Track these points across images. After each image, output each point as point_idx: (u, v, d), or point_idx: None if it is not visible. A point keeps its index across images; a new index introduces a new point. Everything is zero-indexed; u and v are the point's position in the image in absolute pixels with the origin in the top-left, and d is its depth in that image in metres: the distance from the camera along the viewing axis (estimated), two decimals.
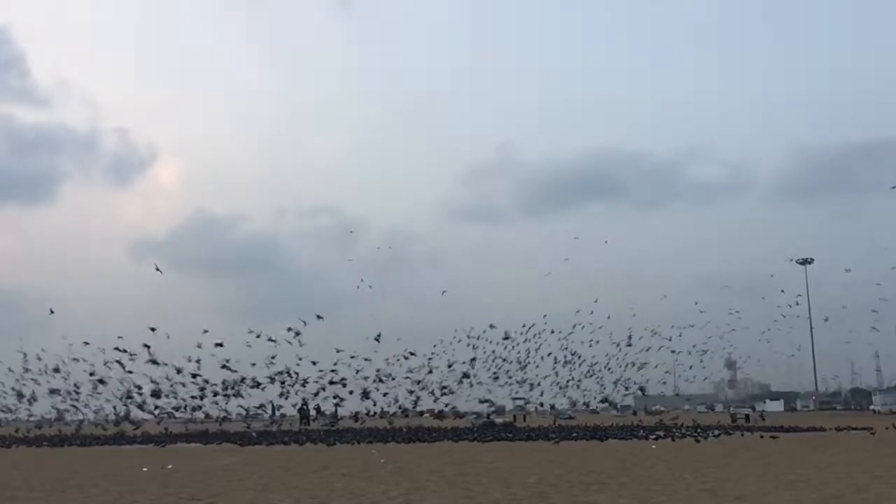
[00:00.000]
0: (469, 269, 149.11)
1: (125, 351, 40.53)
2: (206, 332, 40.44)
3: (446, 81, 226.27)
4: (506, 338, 45.93)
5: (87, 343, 40.66)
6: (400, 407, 45.61)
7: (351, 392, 43.55)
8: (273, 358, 41.71)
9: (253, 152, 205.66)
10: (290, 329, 41.84)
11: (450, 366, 45.55)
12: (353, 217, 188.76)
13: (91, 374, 41.41)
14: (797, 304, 52.90)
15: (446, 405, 46.40)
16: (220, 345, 39.95)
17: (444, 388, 45.34)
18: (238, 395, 42.40)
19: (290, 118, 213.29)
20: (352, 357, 43.27)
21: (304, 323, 41.85)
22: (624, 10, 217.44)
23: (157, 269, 41.40)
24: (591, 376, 46.63)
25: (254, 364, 42.00)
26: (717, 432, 35.81)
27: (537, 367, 46.45)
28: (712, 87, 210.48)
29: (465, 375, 45.79)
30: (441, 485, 15.19)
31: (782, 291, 56.21)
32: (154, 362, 40.60)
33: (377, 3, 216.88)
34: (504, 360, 46.22)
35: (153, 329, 39.82)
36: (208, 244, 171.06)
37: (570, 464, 19.88)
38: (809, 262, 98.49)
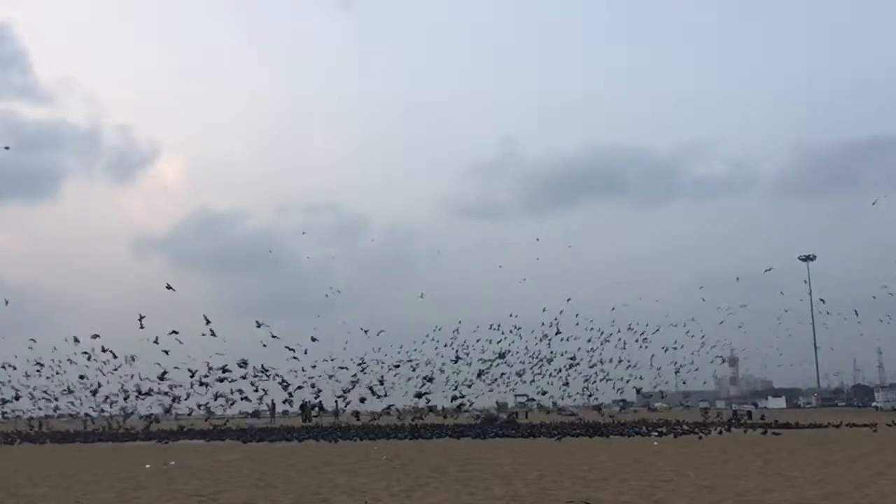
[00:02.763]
0: (470, 266, 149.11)
1: (86, 352, 40.34)
2: (142, 317, 39.59)
3: (447, 79, 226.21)
4: (556, 333, 45.95)
5: (32, 340, 40.71)
6: (398, 410, 45.68)
7: (348, 391, 43.58)
8: (244, 360, 41.12)
9: (255, 150, 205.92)
10: (207, 320, 40.43)
11: (455, 361, 45.76)
12: (355, 214, 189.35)
13: (81, 377, 41.37)
14: (822, 301, 51.73)
15: (460, 405, 46.51)
16: (176, 332, 39.40)
17: (456, 387, 45.36)
18: (245, 399, 42.26)
19: (291, 116, 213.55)
20: (359, 364, 43.34)
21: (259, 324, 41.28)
22: (624, 7, 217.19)
23: (169, 287, 41.14)
24: (565, 372, 46.49)
25: (221, 368, 41.39)
26: (718, 429, 35.81)
27: (511, 365, 46.49)
28: (714, 84, 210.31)
29: (481, 373, 45.95)
30: (443, 481, 15.21)
31: (805, 282, 55.77)
32: (114, 355, 40.44)
33: (379, 2, 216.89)
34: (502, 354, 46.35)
35: (141, 318, 39.47)
36: (210, 241, 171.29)
37: (572, 460, 19.89)
38: (812, 259, 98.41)
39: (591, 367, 46.50)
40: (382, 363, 44.59)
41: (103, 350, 40.71)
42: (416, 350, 45.72)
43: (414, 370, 44.85)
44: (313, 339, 42.06)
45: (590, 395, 47.93)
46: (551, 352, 46.51)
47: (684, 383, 53.68)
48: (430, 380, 44.74)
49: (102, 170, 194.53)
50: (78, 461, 22.44)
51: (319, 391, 43.46)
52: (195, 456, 23.98)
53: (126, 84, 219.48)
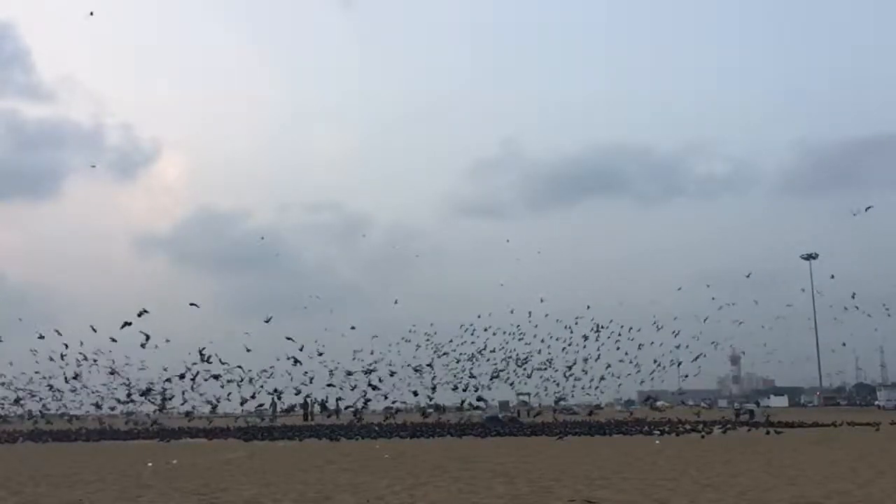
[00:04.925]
0: (472, 263, 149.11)
1: (63, 357, 40.06)
2: (130, 322, 38.28)
3: (448, 79, 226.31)
4: (598, 331, 45.61)
5: (34, 352, 40.49)
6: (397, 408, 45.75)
7: (354, 388, 43.56)
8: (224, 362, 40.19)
9: (256, 149, 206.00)
10: (142, 312, 38.61)
11: (457, 361, 45.84)
12: (357, 213, 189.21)
13: (74, 377, 41.32)
14: (854, 296, 50.19)
15: (473, 405, 46.52)
16: (129, 323, 38.47)
17: (465, 388, 45.33)
18: (251, 400, 42.13)
19: (293, 115, 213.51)
20: (367, 370, 43.31)
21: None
22: (624, 7, 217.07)
23: (193, 304, 41.11)
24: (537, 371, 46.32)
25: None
26: (722, 428, 35.74)
27: (486, 361, 46.36)
28: (714, 83, 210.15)
29: (496, 376, 45.95)
30: (444, 480, 15.21)
31: (832, 277, 54.62)
32: (85, 357, 40.35)
33: (379, 2, 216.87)
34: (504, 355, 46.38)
35: (141, 314, 39.09)
36: (212, 240, 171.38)
37: (573, 459, 19.90)
38: (814, 258, 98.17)
39: (570, 366, 46.14)
40: (380, 364, 44.56)
41: (63, 344, 40.17)
42: (390, 352, 45.43)
43: (417, 371, 44.76)
44: (320, 353, 41.80)
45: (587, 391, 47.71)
46: (529, 352, 46.39)
47: (687, 377, 53.20)
48: (435, 388, 44.96)
49: (104, 168, 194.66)
50: (80, 460, 22.46)
51: (325, 400, 43.56)
52: (197, 454, 24.01)
53: (128, 83, 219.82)
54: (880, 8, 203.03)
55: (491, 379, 45.82)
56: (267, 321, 41.15)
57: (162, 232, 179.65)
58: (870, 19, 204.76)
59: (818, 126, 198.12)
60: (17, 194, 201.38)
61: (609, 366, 45.80)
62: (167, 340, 40.05)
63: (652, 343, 45.81)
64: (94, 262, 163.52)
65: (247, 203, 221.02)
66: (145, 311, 38.03)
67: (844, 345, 57.60)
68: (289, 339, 40.85)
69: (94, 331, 39.58)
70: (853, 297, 49.35)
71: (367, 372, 43.08)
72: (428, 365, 45.28)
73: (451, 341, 46.18)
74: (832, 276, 55.18)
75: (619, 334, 45.47)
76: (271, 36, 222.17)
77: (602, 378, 46.17)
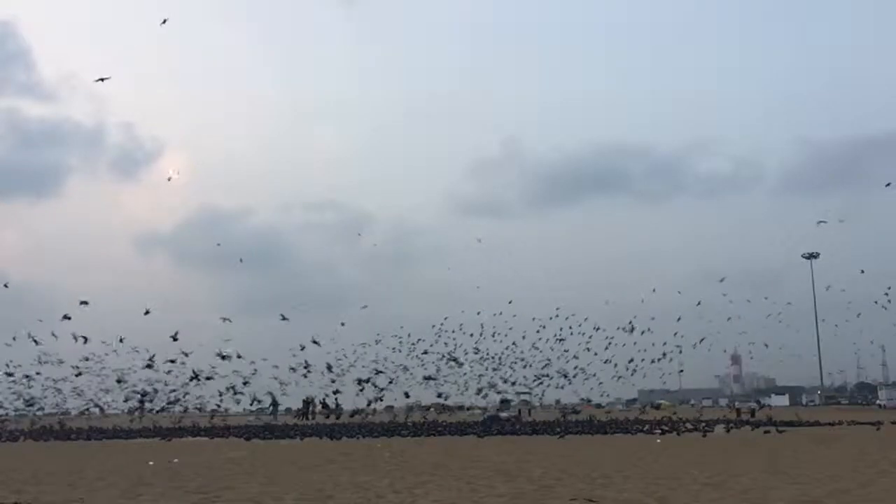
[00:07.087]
0: (473, 262, 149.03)
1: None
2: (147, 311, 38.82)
3: (448, 78, 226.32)
4: (631, 330, 45.28)
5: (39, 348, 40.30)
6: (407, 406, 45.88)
7: (362, 388, 43.53)
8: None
9: (258, 147, 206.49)
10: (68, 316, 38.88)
11: (454, 361, 45.83)
12: (359, 211, 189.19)
13: (77, 375, 41.43)
14: (887, 291, 48.67)
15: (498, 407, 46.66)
16: (85, 302, 38.67)
17: (480, 389, 45.39)
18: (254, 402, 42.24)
19: (295, 114, 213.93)
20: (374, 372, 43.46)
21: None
22: (625, 5, 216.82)
23: (226, 320, 41.34)
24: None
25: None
26: (723, 427, 35.73)
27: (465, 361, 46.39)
28: (716, 82, 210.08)
29: (506, 381, 46.11)
30: (446, 479, 15.21)
31: (861, 272, 52.83)
32: (85, 358, 40.40)
33: (380, 1, 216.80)
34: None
35: (147, 312, 38.98)
36: (214, 238, 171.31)
37: (574, 458, 19.90)
38: (815, 257, 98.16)
39: (543, 367, 46.09)
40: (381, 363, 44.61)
41: (34, 341, 40.27)
42: (365, 354, 45.47)
43: (430, 379, 44.85)
44: (329, 368, 41.74)
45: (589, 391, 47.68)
46: (502, 352, 46.44)
47: (682, 371, 52.64)
48: (446, 397, 45.15)
49: (106, 167, 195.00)
50: (81, 458, 22.47)
51: (339, 397, 43.77)
52: (199, 453, 24.01)
53: (129, 82, 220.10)
54: (880, 8, 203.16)
55: (504, 382, 45.92)
56: (283, 319, 41.23)
57: (164, 230, 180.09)
58: (870, 19, 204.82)
59: (819, 125, 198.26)
60: (18, 193, 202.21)
61: (577, 367, 45.71)
62: (138, 348, 40.13)
63: (624, 344, 45.63)
64: (96, 261, 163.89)
65: (248, 202, 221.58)
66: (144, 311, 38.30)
67: (872, 342, 56.61)
68: (315, 342, 40.79)
69: (56, 337, 39.69)
70: (887, 290, 48.06)
71: (367, 380, 43.15)
72: (453, 360, 45.20)
73: (421, 340, 46.00)
74: (862, 271, 53.64)
75: (592, 335, 45.45)
76: (271, 36, 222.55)
77: (575, 376, 46.04)
